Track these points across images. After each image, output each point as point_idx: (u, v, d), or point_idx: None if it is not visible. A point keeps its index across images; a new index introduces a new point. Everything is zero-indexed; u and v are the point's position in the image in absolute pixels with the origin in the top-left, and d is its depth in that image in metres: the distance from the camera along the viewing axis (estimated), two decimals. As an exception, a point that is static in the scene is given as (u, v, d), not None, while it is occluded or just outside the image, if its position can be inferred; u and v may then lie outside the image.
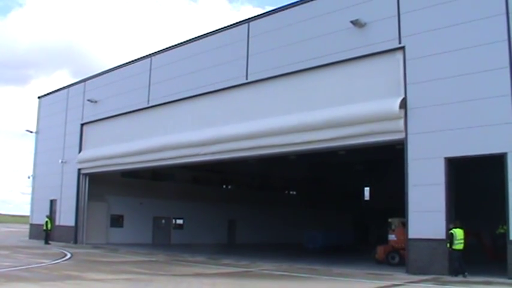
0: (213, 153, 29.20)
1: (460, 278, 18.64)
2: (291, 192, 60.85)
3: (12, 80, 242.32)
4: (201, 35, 31.34)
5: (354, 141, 23.54)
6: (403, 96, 21.50)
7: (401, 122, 21.52)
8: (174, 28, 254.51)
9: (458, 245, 19.36)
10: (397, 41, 22.07)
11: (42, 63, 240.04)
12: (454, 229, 19.44)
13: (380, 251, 26.36)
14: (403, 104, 21.38)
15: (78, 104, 40.95)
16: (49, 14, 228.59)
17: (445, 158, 20.19)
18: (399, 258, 24.55)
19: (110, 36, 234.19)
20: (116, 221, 42.67)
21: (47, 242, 37.47)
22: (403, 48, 21.88)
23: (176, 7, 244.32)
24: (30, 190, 47.09)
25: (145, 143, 33.40)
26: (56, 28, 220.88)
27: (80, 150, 40.06)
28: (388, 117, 21.84)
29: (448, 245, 19.37)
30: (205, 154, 29.61)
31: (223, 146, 28.44)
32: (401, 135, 21.66)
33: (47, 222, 38.55)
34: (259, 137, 26.55)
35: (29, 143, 53.39)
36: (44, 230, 38.40)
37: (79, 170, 40.02)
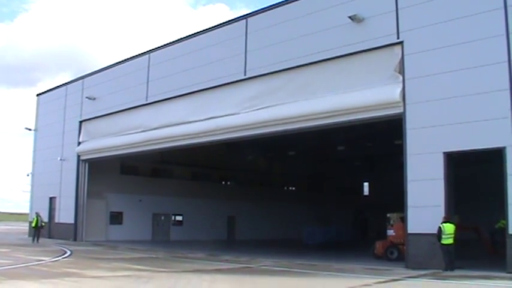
0: (212, 134, 29.53)
1: (458, 273, 18.63)
2: (290, 188, 60.90)
3: (21, 83, 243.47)
4: (199, 32, 31.28)
5: (354, 116, 23.49)
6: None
7: (401, 105, 21.63)
8: (174, 35, 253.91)
9: (446, 239, 19.24)
10: (396, 36, 22.04)
11: (47, 66, 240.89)
12: (443, 223, 19.39)
13: (379, 246, 26.38)
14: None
15: (76, 102, 40.87)
16: (52, 18, 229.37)
17: (444, 153, 20.18)
18: (398, 253, 24.54)
19: (111, 40, 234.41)
20: (115, 218, 42.77)
21: (34, 240, 36.45)
22: (401, 43, 21.86)
23: (177, 14, 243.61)
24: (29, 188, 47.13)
25: (145, 134, 33.76)
26: (60, 31, 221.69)
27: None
28: (388, 102, 22.05)
29: (438, 239, 19.39)
30: (204, 136, 30.08)
31: (222, 131, 28.85)
32: (399, 110, 21.72)
33: (34, 219, 38.27)
34: (258, 123, 26.95)
35: (30, 141, 53.71)
36: (33, 227, 38.15)
37: (78, 157, 40.08)
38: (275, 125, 26.49)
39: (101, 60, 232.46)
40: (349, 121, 24.01)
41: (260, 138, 29.40)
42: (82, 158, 40.02)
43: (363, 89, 23.02)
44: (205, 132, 29.73)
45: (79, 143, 40.13)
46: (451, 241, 19.30)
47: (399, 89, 21.64)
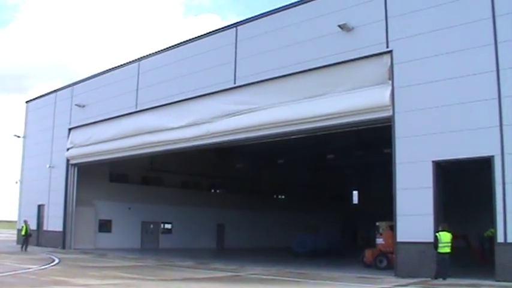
0: (202, 139, 29.57)
1: (448, 281, 18.66)
2: (280, 196, 60.87)
3: (13, 90, 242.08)
4: (189, 40, 31.29)
5: (344, 120, 23.52)
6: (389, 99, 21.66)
7: (390, 109, 21.73)
8: (165, 45, 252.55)
9: (443, 248, 19.24)
10: (385, 45, 22.16)
11: (39, 73, 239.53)
12: (439, 232, 19.43)
13: (368, 254, 26.37)
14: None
15: (65, 109, 40.67)
16: (43, 26, 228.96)
17: (433, 162, 20.26)
18: (387, 261, 24.55)
19: (102, 48, 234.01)
20: (104, 226, 42.50)
21: (23, 248, 35.86)
22: (390, 52, 21.97)
23: (168, 24, 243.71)
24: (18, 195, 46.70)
25: (135, 139, 33.70)
26: (51, 39, 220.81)
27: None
28: (377, 106, 22.20)
29: (434, 247, 19.40)
30: (193, 141, 30.05)
31: (212, 135, 28.90)
32: (388, 113, 21.79)
33: (24, 227, 37.76)
34: (247, 128, 27.07)
35: (20, 148, 53.00)
36: (23, 235, 37.68)
37: (67, 163, 39.83)
38: (264, 128, 26.46)
39: (91, 68, 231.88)
40: (339, 125, 24.01)
41: (249, 145, 29.37)
42: (71, 162, 39.77)
43: (352, 93, 23.10)
44: (195, 137, 29.65)
45: (68, 149, 39.93)
46: (447, 250, 19.27)
47: (388, 93, 21.74)
